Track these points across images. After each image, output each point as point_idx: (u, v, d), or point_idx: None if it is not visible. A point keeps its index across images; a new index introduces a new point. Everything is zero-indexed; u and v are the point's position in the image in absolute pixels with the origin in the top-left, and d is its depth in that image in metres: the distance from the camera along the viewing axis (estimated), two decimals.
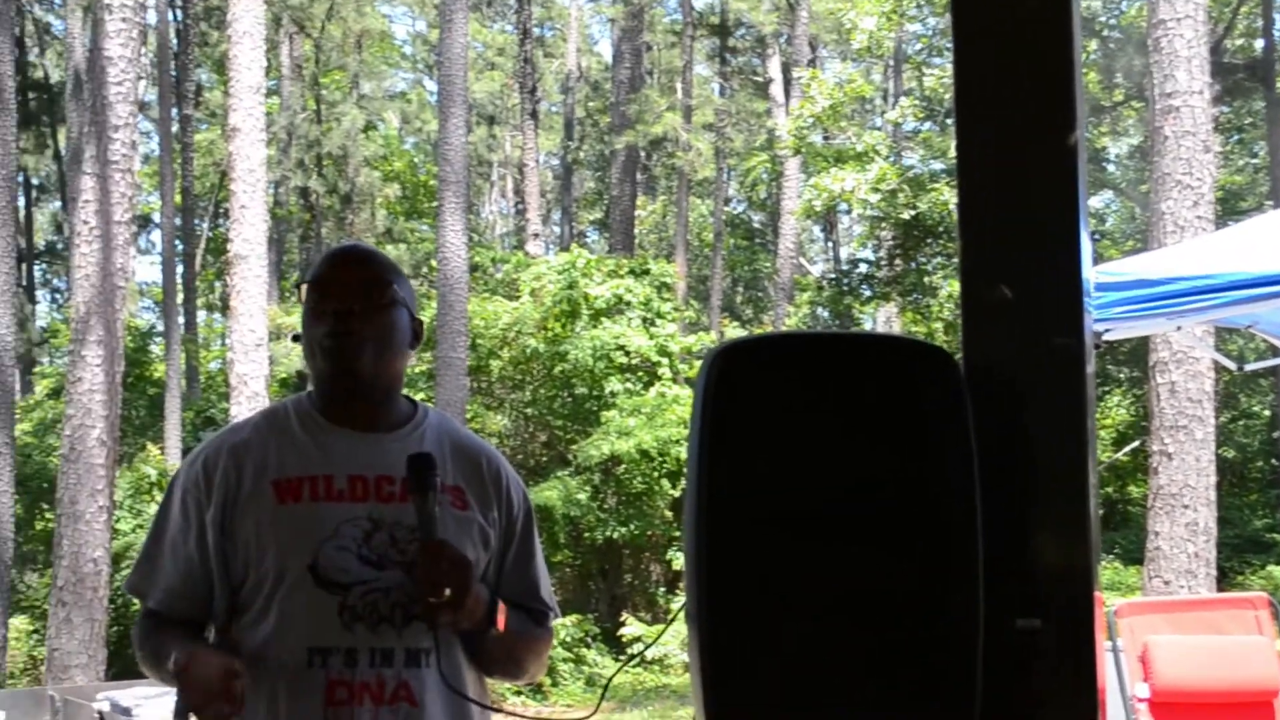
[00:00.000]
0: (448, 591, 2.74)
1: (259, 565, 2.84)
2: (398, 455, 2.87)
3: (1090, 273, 1.41)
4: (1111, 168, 33.18)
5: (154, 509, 17.84)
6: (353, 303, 2.88)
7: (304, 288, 2.96)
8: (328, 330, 2.88)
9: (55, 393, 28.30)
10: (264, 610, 2.84)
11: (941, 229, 22.80)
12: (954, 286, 22.39)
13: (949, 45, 26.08)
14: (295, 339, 3.00)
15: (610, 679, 3.55)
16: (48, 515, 24.86)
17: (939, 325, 22.88)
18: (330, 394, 2.95)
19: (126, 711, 8.70)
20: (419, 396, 3.17)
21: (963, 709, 1.38)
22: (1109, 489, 25.86)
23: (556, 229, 45.34)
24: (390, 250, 31.80)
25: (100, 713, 8.94)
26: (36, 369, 36.57)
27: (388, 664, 2.80)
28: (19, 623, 22.42)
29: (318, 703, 2.78)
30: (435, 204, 25.12)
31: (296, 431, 2.95)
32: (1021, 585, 1.39)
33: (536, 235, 33.58)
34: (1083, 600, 1.39)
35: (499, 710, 3.11)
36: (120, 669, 18.89)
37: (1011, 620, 1.38)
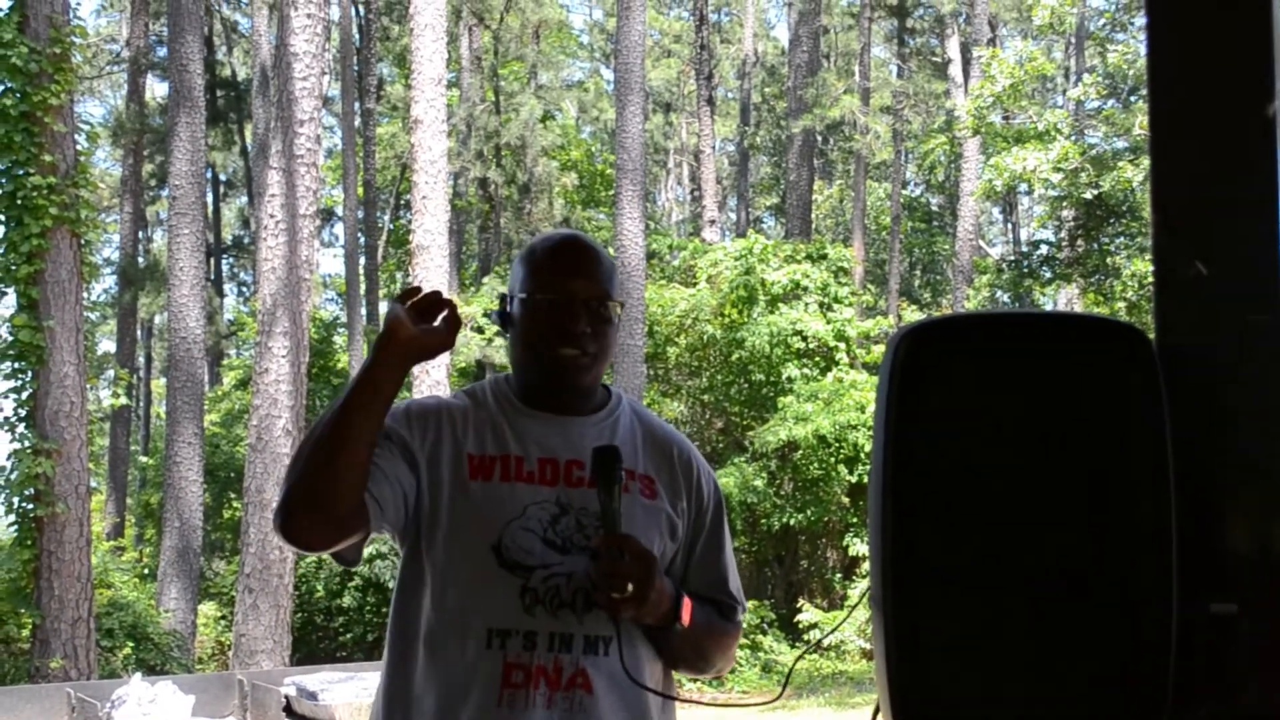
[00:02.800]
0: (630, 587, 2.71)
1: (445, 538, 2.84)
2: (590, 440, 2.87)
3: None
4: None
5: None
6: (584, 325, 2.86)
7: (527, 293, 2.90)
8: (559, 352, 2.87)
9: (242, 384, 29.05)
10: (445, 587, 2.84)
11: (1125, 208, 22.37)
12: (1138, 266, 21.95)
13: (1133, 20, 25.51)
14: (502, 322, 2.98)
15: (793, 665, 3.52)
16: (235, 504, 25.52)
17: (1122, 306, 22.43)
18: (539, 390, 2.95)
19: (312, 695, 8.88)
20: None
21: (1155, 694, 1.35)
22: None
23: (733, 215, 45.35)
24: None
25: (287, 696, 9.14)
26: (224, 361, 37.56)
27: (566, 649, 2.79)
28: (207, 609, 23.03)
29: (494, 684, 2.77)
30: (612, 192, 25.28)
31: (493, 411, 2.94)
32: (1216, 569, 1.36)
33: (713, 222, 33.60)
34: (1279, 584, 1.36)
35: (681, 700, 3.08)
36: (305, 654, 19.34)
37: (1206, 604, 1.36)
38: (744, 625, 3.16)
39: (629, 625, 2.83)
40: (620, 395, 3.07)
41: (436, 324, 2.74)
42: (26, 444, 14.38)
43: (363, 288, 30.17)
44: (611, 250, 24.37)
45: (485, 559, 2.81)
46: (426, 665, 2.85)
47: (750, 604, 20.24)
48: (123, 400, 29.25)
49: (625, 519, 2.79)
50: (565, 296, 2.87)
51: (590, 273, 2.92)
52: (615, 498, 2.75)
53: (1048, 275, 25.47)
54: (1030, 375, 1.36)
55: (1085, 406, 1.36)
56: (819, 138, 35.89)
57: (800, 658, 15.13)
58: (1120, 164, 21.71)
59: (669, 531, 2.93)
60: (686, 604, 2.88)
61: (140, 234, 35.74)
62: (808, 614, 20.26)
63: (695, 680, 18.14)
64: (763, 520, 22.07)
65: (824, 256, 24.79)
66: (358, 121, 30.75)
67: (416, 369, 18.56)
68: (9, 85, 14.17)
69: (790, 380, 22.64)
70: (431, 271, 18.37)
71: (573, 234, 3.10)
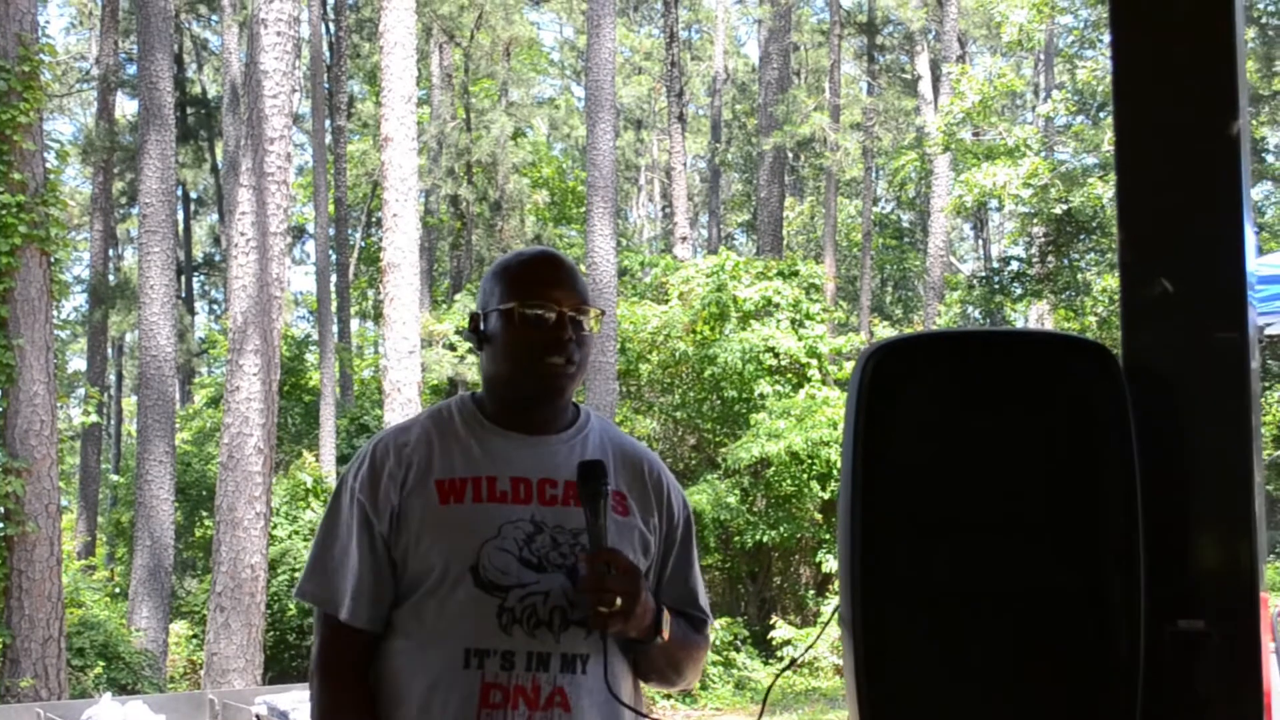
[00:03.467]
0: (619, 601, 2.73)
1: (420, 563, 2.85)
2: (562, 458, 2.89)
3: (1253, 265, 1.38)
4: (1272, 158, 32.39)
5: (310, 516, 18.12)
6: (569, 333, 2.89)
7: (509, 306, 2.93)
8: (547, 362, 2.89)
9: (214, 402, 28.91)
10: (419, 610, 2.85)
11: (1095, 224, 22.45)
12: (1108, 282, 22.05)
13: (1101, 37, 25.65)
14: (476, 339, 3.00)
15: (770, 687, 3.52)
16: (207, 522, 25.40)
17: (1092, 321, 22.53)
18: (514, 403, 2.96)
19: (283, 715, 8.84)
20: None
21: (1124, 710, 1.36)
22: (1272, 486, 25.24)
23: (704, 232, 45.37)
24: None
25: (258, 716, 9.09)
26: (195, 379, 37.44)
27: (544, 668, 2.80)
28: (179, 628, 22.88)
29: (473, 704, 2.78)
30: (584, 209, 25.26)
31: (460, 433, 2.95)
32: (1184, 585, 1.37)
33: (684, 238, 33.62)
34: (1247, 601, 1.36)
35: (655, 719, 3.09)
36: (277, 673, 19.23)
37: (1174, 621, 1.36)
38: (712, 640, 3.18)
39: (610, 640, 2.84)
40: (589, 413, 3.08)
41: None
42: None
43: (334, 305, 30.07)
44: (583, 267, 24.37)
45: (463, 580, 2.82)
46: (403, 687, 2.85)
47: (723, 621, 20.27)
48: (93, 418, 29.13)
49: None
50: (549, 307, 2.90)
51: (569, 283, 2.95)
52: (601, 512, 2.77)
53: (1018, 291, 25.55)
54: (999, 392, 1.37)
55: (1053, 424, 1.36)
56: (790, 154, 35.96)
57: (777, 678, 15.18)
58: (1090, 180, 21.80)
59: (642, 548, 2.95)
60: (667, 618, 2.90)
61: (110, 252, 35.57)
62: (781, 630, 20.25)
63: (669, 697, 18.12)
64: (735, 537, 22.05)
65: (795, 273, 24.79)
66: (328, 139, 30.68)
67: (387, 386, 18.49)
68: None
69: (762, 397, 22.62)
70: (403, 289, 18.32)
71: (545, 249, 3.13)
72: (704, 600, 3.12)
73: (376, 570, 2.89)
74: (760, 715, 3.52)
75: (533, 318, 2.89)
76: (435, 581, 2.83)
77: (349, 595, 2.90)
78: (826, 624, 3.16)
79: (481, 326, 2.98)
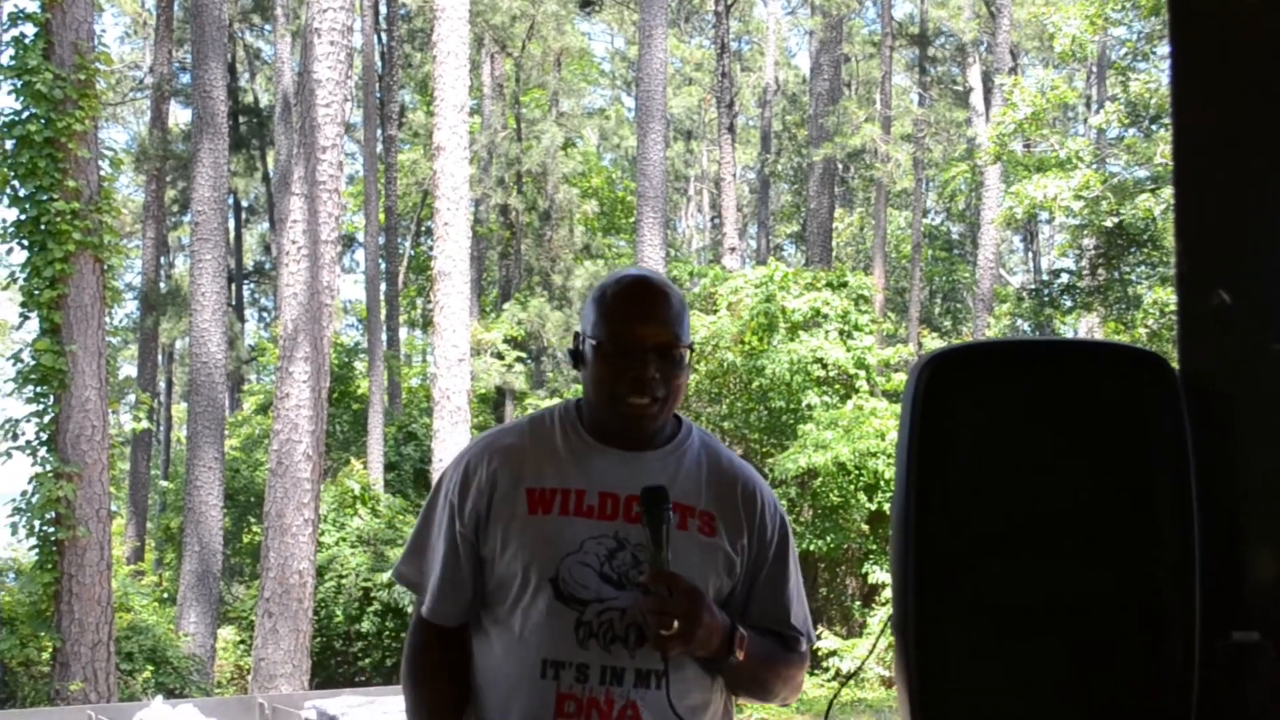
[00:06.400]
0: (676, 624, 2.75)
1: (505, 570, 2.91)
2: (654, 474, 2.89)
3: None
4: None
5: (358, 523, 18.21)
6: (653, 371, 2.87)
7: (597, 339, 2.93)
8: (629, 402, 2.90)
9: (263, 409, 29.07)
10: (506, 616, 2.91)
11: (1146, 237, 22.31)
12: (1159, 295, 21.89)
13: (1155, 49, 25.38)
14: (575, 362, 3.00)
15: (832, 701, 3.52)
16: (255, 528, 25.52)
17: (1142, 334, 22.38)
18: (609, 429, 2.98)
19: (333, 719, 8.87)
20: None
21: None
22: None
23: (753, 242, 45.35)
24: (588, 266, 32.09)
25: None
26: (245, 386, 37.64)
27: (617, 683, 2.84)
28: (226, 633, 23.01)
29: (548, 714, 2.83)
30: (633, 219, 25.29)
31: (558, 443, 2.98)
32: (1238, 597, 1.36)
33: (733, 249, 33.60)
34: None
35: None
36: (323, 679, 19.31)
37: (1228, 633, 1.35)
38: (808, 655, 3.16)
39: (679, 659, 2.86)
40: (691, 426, 3.07)
41: None
42: (48, 468, 14.39)
43: (383, 313, 30.20)
44: None
45: (543, 591, 2.87)
46: (484, 692, 2.94)
47: None
48: (144, 424, 29.34)
49: (682, 556, 2.83)
50: (633, 345, 2.88)
51: (659, 316, 2.92)
52: (663, 536, 2.78)
53: (1068, 304, 25.41)
54: (1053, 403, 1.37)
55: (1108, 434, 1.36)
56: (840, 165, 35.90)
57: (839, 691, 15.24)
58: (1141, 193, 21.67)
59: (726, 569, 2.95)
60: (741, 638, 2.89)
61: (162, 259, 35.79)
62: (827, 641, 20.18)
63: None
64: None
65: (844, 284, 24.73)
66: (379, 148, 30.82)
67: (436, 394, 18.55)
68: (34, 111, 14.24)
69: (810, 408, 22.57)
70: (453, 297, 18.37)
71: (641, 275, 3.07)
72: (799, 619, 3.09)
73: (456, 571, 2.97)
74: None
75: (616, 355, 2.89)
76: (519, 589, 2.89)
77: (433, 591, 3.01)
78: (878, 637, 3.14)
79: (580, 348, 2.99)
